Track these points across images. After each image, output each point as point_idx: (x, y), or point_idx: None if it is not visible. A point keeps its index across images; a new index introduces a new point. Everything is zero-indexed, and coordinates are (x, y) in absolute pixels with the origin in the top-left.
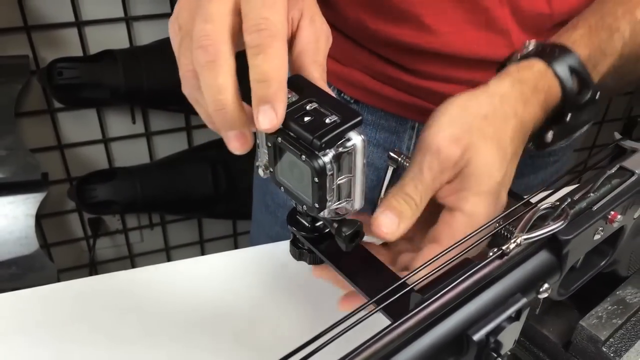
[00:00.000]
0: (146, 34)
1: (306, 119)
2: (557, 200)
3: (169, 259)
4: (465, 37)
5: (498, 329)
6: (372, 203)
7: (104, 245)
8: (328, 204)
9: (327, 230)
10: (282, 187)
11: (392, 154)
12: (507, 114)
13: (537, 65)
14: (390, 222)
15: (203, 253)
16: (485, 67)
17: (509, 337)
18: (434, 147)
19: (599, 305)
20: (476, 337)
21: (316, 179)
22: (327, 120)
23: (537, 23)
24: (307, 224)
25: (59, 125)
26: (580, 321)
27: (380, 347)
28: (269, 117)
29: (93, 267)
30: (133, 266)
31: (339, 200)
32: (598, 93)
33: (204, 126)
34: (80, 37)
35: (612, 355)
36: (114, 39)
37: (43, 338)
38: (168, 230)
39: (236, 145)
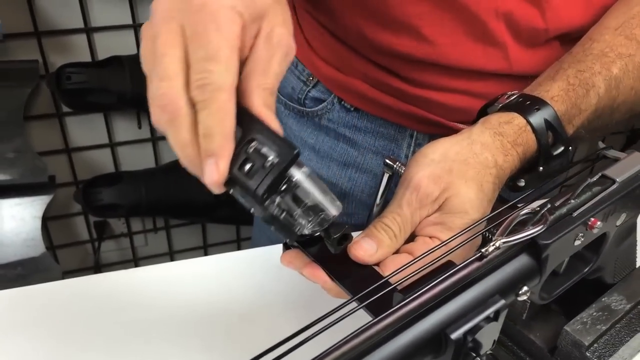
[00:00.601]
0: None
1: (247, 167)
2: (537, 206)
3: None
4: (463, 48)
5: (476, 329)
6: (369, 208)
7: (109, 248)
8: (300, 228)
9: (317, 233)
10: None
11: (387, 160)
12: (488, 160)
13: (517, 120)
14: (369, 247)
15: None
16: (482, 78)
17: (487, 337)
18: (414, 184)
19: (584, 311)
20: (454, 335)
21: (272, 227)
22: (266, 164)
23: (532, 37)
24: None
25: (67, 129)
26: (565, 326)
27: (360, 342)
28: (212, 172)
29: (98, 269)
30: None
31: (309, 220)
32: (570, 147)
33: None
34: (89, 43)
35: None
36: (122, 45)
37: (42, 335)
38: (172, 234)
39: (209, 185)
